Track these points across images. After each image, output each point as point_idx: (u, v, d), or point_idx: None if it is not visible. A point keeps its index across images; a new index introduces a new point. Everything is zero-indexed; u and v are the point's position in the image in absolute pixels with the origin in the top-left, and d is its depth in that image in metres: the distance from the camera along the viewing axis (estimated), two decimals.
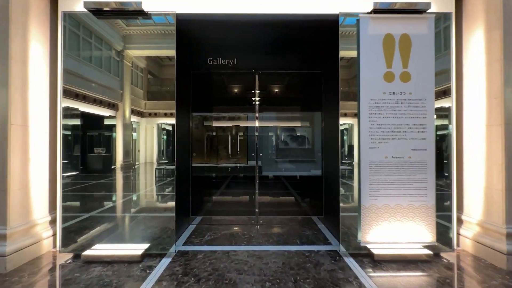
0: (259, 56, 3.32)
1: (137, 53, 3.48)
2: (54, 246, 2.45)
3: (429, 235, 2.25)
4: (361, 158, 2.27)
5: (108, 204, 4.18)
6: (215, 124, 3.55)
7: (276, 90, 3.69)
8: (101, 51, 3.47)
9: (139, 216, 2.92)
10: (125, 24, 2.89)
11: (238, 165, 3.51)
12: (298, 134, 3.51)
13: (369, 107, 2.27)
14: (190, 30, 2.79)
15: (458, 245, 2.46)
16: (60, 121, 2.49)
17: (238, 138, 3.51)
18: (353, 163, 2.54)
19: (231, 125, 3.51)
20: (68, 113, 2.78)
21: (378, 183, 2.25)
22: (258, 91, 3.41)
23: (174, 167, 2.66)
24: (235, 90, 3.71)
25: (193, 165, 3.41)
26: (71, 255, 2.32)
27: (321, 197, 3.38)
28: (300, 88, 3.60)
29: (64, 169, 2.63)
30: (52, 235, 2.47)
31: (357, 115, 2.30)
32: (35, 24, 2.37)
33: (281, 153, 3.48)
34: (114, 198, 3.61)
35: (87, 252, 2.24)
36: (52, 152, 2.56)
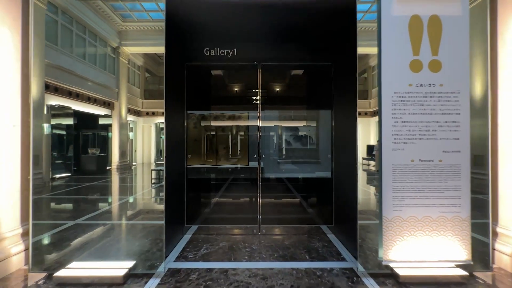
0: (261, 46, 2.98)
1: (133, 50, 3.22)
2: (26, 262, 2.12)
3: (463, 252, 1.92)
4: (382, 162, 1.93)
5: (96, 210, 3.85)
6: (214, 123, 3.22)
7: (280, 85, 3.37)
8: (95, 48, 3.17)
9: (128, 225, 2.60)
10: (121, 20, 2.53)
11: (239, 166, 3.19)
12: (302, 133, 3.19)
13: (392, 101, 1.93)
14: (183, 16, 2.45)
15: (493, 262, 2.12)
16: (32, 117, 2.15)
17: (239, 138, 3.19)
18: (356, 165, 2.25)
19: (230, 124, 3.19)
20: (61, 112, 2.43)
21: (403, 191, 1.92)
22: (260, 86, 3.07)
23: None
24: (235, 85, 3.39)
25: (188, 167, 3.06)
26: (43, 274, 1.99)
27: (330, 202, 3.03)
28: (307, 83, 3.27)
29: (56, 171, 2.30)
30: (24, 250, 2.14)
31: (377, 112, 1.98)
32: (2, 5, 2.03)
33: (284, 153, 3.17)
34: (103, 203, 3.24)
35: (61, 273, 1.91)
36: (25, 153, 2.22)
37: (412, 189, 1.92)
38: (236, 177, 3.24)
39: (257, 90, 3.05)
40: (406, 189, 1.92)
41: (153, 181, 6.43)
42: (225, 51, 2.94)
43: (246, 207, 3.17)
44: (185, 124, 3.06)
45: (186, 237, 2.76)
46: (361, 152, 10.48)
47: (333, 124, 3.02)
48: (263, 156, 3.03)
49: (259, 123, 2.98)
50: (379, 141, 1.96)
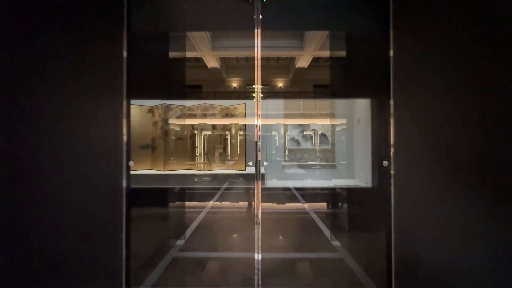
0: None
1: None
2: None
3: None
4: None
5: None
6: (190, 121, 2.61)
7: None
8: None
9: None
10: None
11: (224, 171, 2.51)
12: (308, 132, 2.78)
13: None
14: None
15: None
16: None
17: (230, 136, 2.78)
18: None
19: (212, 122, 2.73)
20: None
21: None
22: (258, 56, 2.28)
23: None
24: (215, 61, 2.94)
25: (163, 172, 2.34)
26: None
27: (379, 236, 1.94)
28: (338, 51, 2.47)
29: None
30: None
31: None
32: None
33: (289, 155, 2.74)
34: None
35: None
36: None
37: None
38: (229, 188, 2.47)
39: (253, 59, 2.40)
40: None
41: None
42: None
43: (236, 253, 2.19)
44: (123, 119, 2.06)
45: None
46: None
47: (377, 115, 2.11)
48: (265, 163, 2.31)
49: (259, 121, 2.54)
50: None
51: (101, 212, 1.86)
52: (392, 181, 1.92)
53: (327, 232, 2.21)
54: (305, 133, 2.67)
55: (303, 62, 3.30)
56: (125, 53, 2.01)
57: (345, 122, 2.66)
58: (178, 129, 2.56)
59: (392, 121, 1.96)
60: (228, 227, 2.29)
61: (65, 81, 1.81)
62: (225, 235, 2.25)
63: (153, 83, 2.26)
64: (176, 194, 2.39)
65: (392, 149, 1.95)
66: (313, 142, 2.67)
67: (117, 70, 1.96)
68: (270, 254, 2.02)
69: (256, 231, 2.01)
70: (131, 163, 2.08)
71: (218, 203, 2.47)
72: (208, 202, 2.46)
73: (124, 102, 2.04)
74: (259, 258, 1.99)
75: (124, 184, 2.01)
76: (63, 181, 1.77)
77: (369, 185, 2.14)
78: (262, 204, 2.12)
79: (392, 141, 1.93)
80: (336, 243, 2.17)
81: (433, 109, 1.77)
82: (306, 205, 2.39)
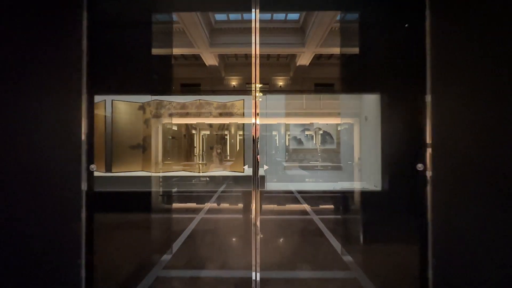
0: None
1: None
2: None
3: None
4: None
5: None
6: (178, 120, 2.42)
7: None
8: None
9: None
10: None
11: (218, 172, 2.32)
12: (309, 131, 2.60)
13: None
14: None
15: None
16: None
17: (227, 135, 2.62)
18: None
19: (205, 121, 2.55)
20: None
21: None
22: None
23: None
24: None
25: (119, 175, 2.03)
26: None
27: (404, 251, 1.65)
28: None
29: None
30: None
31: None
32: None
33: (290, 155, 2.56)
34: None
35: None
36: None
37: None
38: (225, 191, 2.23)
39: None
40: None
41: None
42: None
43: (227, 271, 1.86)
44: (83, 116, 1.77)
45: None
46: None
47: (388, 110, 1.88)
48: (264, 166, 2.11)
49: (257, 120, 2.35)
50: None
51: (53, 221, 1.56)
52: (428, 187, 1.57)
53: (335, 243, 1.88)
54: (306, 133, 2.50)
55: (304, 59, 3.16)
56: (85, 41, 1.67)
57: (351, 121, 2.49)
58: (172, 127, 2.39)
59: (428, 119, 1.61)
60: (223, 238, 2.01)
61: (16, 75, 1.57)
62: (218, 248, 1.96)
63: (130, 77, 1.96)
64: (165, 198, 2.19)
65: (425, 150, 1.59)
66: (315, 142, 2.50)
67: (75, 61, 1.63)
68: (269, 273, 1.70)
69: (253, 245, 1.66)
70: (93, 166, 1.76)
71: (215, 205, 2.24)
72: (203, 205, 2.25)
73: (84, 98, 1.73)
74: (257, 278, 1.64)
75: (84, 187, 1.68)
76: (13, 184, 1.54)
77: (378, 188, 1.97)
78: (263, 206, 1.90)
79: (429, 141, 1.58)
80: (347, 258, 1.81)
81: (478, 106, 1.49)
82: (308, 207, 2.18)
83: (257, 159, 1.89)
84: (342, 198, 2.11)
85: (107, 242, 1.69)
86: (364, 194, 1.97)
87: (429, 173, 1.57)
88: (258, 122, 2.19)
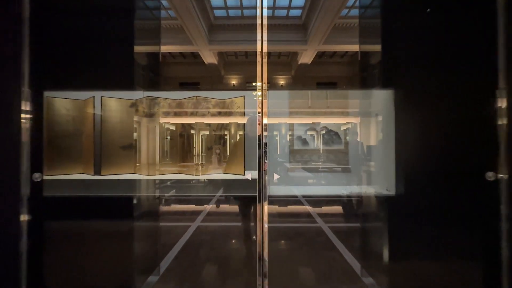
0: None
1: None
2: None
3: None
4: None
5: None
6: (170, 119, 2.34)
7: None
8: None
9: None
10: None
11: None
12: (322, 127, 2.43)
13: None
14: None
15: None
16: None
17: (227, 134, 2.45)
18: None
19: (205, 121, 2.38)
20: None
21: None
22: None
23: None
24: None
25: (107, 178, 1.76)
26: None
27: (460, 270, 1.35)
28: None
29: None
30: None
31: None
32: None
33: (297, 157, 2.39)
34: None
35: None
36: None
37: None
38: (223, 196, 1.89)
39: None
40: None
41: None
42: None
43: None
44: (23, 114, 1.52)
45: None
46: None
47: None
48: (275, 176, 1.83)
49: (264, 120, 2.19)
50: None
51: None
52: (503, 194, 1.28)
53: (351, 259, 1.51)
54: (309, 132, 2.35)
55: (306, 57, 3.05)
56: (26, 29, 1.38)
57: (355, 120, 2.35)
58: (165, 127, 2.23)
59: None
60: (222, 252, 1.72)
61: None
62: (218, 265, 1.65)
63: (82, 70, 1.66)
64: (154, 205, 1.98)
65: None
66: (318, 142, 2.34)
67: (14, 52, 1.35)
68: None
69: (259, 269, 1.30)
70: (37, 176, 1.53)
71: (213, 208, 2.04)
72: (201, 207, 2.05)
73: (27, 94, 1.48)
74: None
75: (25, 191, 1.45)
76: None
77: (391, 192, 1.80)
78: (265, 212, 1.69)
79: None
80: (369, 280, 1.47)
81: None
82: (312, 210, 1.99)
83: (264, 166, 1.65)
84: (354, 204, 1.93)
85: (68, 259, 1.39)
86: (384, 199, 1.74)
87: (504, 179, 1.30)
88: (266, 122, 2.03)
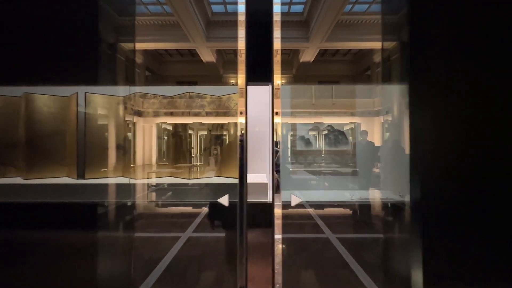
0: None
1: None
2: None
3: None
4: None
5: None
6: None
7: None
8: None
9: None
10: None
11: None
12: (329, 126, 2.26)
13: None
14: None
15: None
16: None
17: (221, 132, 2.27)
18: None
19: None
20: None
21: None
22: None
23: None
24: None
25: (85, 182, 1.55)
26: None
27: None
28: None
29: None
30: None
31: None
32: None
33: (300, 159, 2.21)
34: None
35: None
36: None
37: None
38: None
39: None
40: None
41: None
42: None
43: None
44: None
45: None
46: None
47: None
48: (293, 199, 1.53)
49: (275, 118, 1.98)
50: None
51: None
52: None
53: (367, 281, 1.18)
54: (311, 133, 2.18)
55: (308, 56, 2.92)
56: None
57: (359, 120, 2.18)
58: (161, 126, 2.06)
59: None
60: (216, 279, 1.31)
61: None
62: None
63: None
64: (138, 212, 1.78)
65: None
66: (319, 143, 2.18)
67: None
68: None
69: None
70: None
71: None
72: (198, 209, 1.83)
73: None
74: None
75: None
76: None
77: (404, 198, 1.62)
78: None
79: None
80: None
81: None
82: (317, 216, 1.79)
83: (276, 177, 1.40)
84: (361, 210, 1.74)
85: None
86: (399, 205, 1.56)
87: None
88: (279, 120, 1.81)
